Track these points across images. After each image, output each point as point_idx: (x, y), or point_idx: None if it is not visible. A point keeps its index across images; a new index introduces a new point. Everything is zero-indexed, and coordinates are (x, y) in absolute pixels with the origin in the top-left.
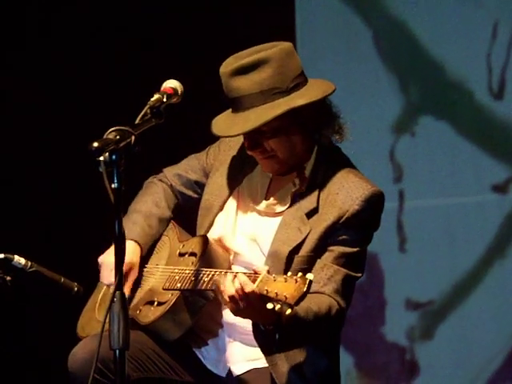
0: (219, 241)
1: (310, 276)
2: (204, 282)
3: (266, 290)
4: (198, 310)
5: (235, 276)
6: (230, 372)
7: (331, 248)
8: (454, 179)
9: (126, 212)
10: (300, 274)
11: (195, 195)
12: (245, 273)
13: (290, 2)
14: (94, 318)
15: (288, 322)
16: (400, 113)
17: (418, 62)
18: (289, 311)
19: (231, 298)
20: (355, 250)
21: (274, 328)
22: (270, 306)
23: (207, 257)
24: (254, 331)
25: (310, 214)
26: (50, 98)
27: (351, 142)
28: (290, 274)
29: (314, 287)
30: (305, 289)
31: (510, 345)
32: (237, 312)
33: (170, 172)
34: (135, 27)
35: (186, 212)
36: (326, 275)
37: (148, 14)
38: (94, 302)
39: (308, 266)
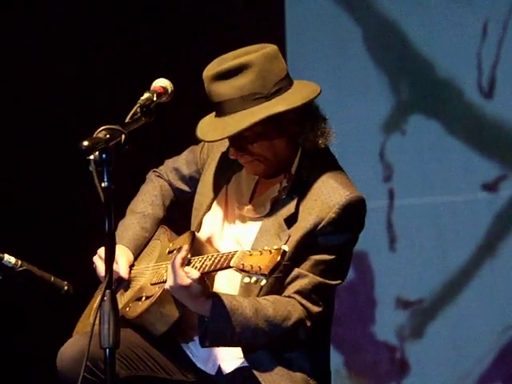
0: (208, 241)
1: (284, 247)
2: (187, 267)
3: (242, 265)
4: None
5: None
6: (219, 370)
7: (307, 256)
8: (444, 178)
9: (117, 211)
10: (276, 246)
11: (189, 190)
12: (223, 253)
13: (280, 1)
14: (89, 323)
15: (222, 314)
16: (390, 112)
17: (408, 61)
18: (263, 282)
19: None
20: (332, 257)
21: (210, 318)
22: (246, 279)
23: (195, 250)
24: (198, 323)
25: (289, 220)
26: (41, 97)
27: (342, 140)
28: (266, 247)
29: (285, 292)
30: (278, 258)
31: (499, 343)
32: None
33: (168, 166)
34: (126, 26)
35: (182, 211)
36: (299, 283)
37: (139, 14)
38: (91, 307)
39: (282, 276)
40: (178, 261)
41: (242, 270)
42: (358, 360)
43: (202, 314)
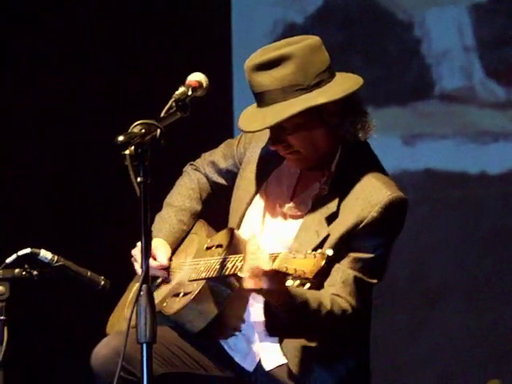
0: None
1: (328, 252)
2: (227, 268)
3: (286, 267)
4: (222, 299)
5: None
6: (258, 366)
7: (347, 253)
8: None
9: (153, 205)
10: (320, 250)
11: (226, 183)
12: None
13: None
14: (122, 316)
15: (285, 306)
16: None
17: None
18: (307, 286)
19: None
20: (371, 256)
21: (283, 311)
22: (289, 282)
23: (233, 247)
24: (265, 311)
25: (330, 218)
26: (75, 92)
27: None
28: (309, 251)
29: (328, 289)
30: (323, 263)
31: None
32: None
33: (205, 159)
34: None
35: (219, 205)
36: (340, 278)
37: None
38: (124, 301)
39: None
40: (266, 266)
41: (285, 273)
42: None
43: (274, 304)
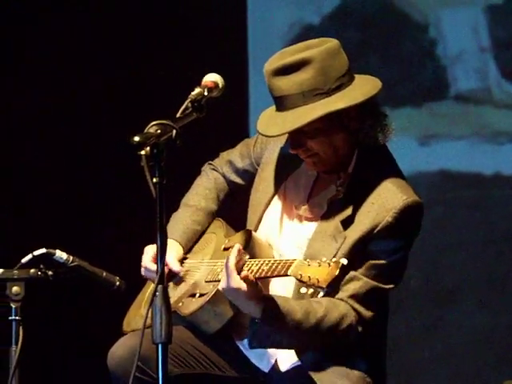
0: (266, 241)
1: (343, 260)
2: (243, 271)
3: (300, 275)
4: None
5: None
6: (274, 367)
7: (362, 259)
8: None
9: (169, 206)
10: (334, 258)
11: (243, 182)
12: (281, 260)
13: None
14: (139, 314)
15: (273, 317)
16: None
17: None
18: (321, 294)
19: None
20: (387, 261)
21: (261, 320)
22: (303, 290)
23: (250, 249)
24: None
25: (345, 222)
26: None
27: None
28: (324, 259)
29: (339, 295)
30: (337, 272)
31: None
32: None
33: (223, 159)
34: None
35: (237, 206)
36: (353, 286)
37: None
38: (141, 299)
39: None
40: (232, 261)
41: (299, 280)
42: None
43: (253, 316)
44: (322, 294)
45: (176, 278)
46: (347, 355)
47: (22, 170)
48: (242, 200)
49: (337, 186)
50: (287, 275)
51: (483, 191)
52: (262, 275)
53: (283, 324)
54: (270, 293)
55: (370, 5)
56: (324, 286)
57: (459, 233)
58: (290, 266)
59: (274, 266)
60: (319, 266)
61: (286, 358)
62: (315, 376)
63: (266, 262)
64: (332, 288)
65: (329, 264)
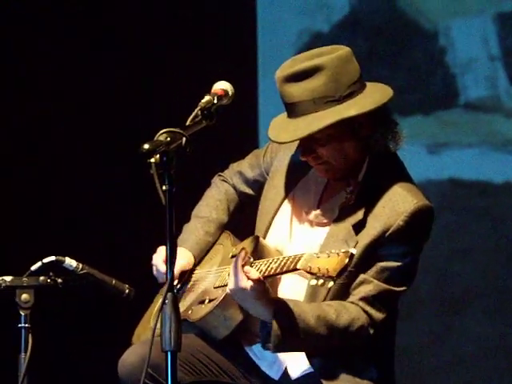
0: (275, 247)
1: (352, 250)
2: (247, 266)
3: (309, 267)
4: None
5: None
6: (284, 374)
7: (373, 262)
8: None
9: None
10: (343, 249)
11: (253, 193)
12: (290, 256)
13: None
14: (148, 328)
15: (286, 321)
16: None
17: None
18: (331, 284)
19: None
20: (398, 264)
21: (273, 324)
22: (313, 282)
23: (258, 254)
24: (261, 327)
25: (357, 226)
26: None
27: None
28: (334, 250)
29: (350, 298)
30: (346, 261)
31: None
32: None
33: (233, 169)
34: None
35: (245, 216)
36: (364, 289)
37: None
38: (151, 313)
39: (348, 281)
40: (239, 262)
41: (309, 273)
42: None
43: (262, 319)
44: (331, 283)
45: (184, 288)
46: (358, 362)
47: (32, 178)
48: (250, 210)
49: (347, 193)
50: (297, 269)
51: (493, 199)
52: (272, 273)
53: (295, 326)
54: (279, 295)
55: (380, 13)
56: (334, 275)
57: (469, 241)
58: (300, 259)
59: (282, 263)
60: (328, 257)
61: (296, 366)
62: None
63: (275, 259)
64: (341, 278)
65: (338, 254)
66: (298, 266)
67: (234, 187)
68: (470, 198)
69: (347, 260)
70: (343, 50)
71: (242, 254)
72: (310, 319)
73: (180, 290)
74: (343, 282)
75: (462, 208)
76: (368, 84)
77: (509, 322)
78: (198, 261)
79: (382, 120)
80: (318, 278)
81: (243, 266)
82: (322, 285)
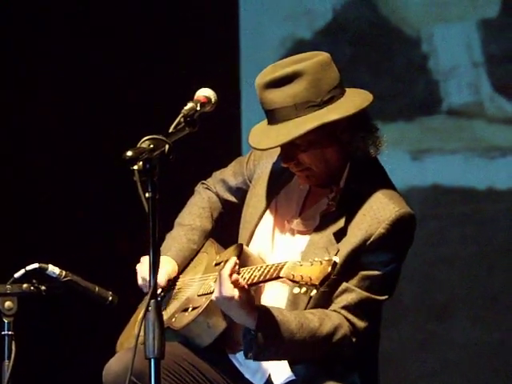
0: (256, 254)
1: (335, 258)
2: (234, 275)
3: (292, 275)
4: None
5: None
6: (267, 382)
7: (355, 271)
8: None
9: (161, 221)
10: (326, 257)
11: (236, 200)
12: (273, 264)
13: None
14: (132, 335)
15: (269, 329)
16: None
17: None
18: (313, 292)
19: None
20: (379, 273)
21: (256, 331)
22: (296, 290)
23: (242, 262)
24: (243, 335)
25: (338, 234)
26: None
27: None
28: (317, 258)
29: (332, 307)
30: (329, 269)
31: None
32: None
33: (216, 178)
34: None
35: (228, 223)
36: (346, 297)
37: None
38: (135, 320)
39: (329, 289)
40: (227, 271)
41: (292, 281)
42: None
43: (247, 326)
44: (314, 291)
45: (168, 296)
46: (341, 370)
47: (13, 185)
48: (234, 217)
49: (329, 199)
50: (280, 277)
51: (476, 206)
52: (255, 281)
53: (278, 334)
54: (263, 303)
55: (362, 20)
56: (317, 284)
57: (452, 247)
58: (283, 267)
59: (266, 271)
60: (311, 265)
61: (279, 373)
62: None
63: (258, 267)
64: (324, 286)
65: (321, 262)
66: (281, 274)
67: (218, 195)
68: (454, 204)
69: (330, 268)
70: (323, 56)
71: (232, 261)
72: (293, 327)
73: (164, 297)
74: (325, 290)
75: (445, 214)
76: (348, 90)
77: (493, 329)
78: (182, 268)
79: (363, 125)
80: (301, 286)
81: (230, 274)
82: (305, 293)
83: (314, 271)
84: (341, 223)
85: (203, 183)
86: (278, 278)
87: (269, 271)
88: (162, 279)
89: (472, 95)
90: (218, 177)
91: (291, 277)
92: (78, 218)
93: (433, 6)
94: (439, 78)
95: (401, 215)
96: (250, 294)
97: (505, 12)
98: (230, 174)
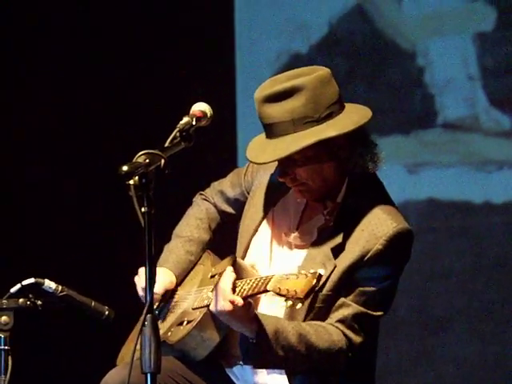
0: (252, 267)
1: (320, 271)
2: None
3: (279, 288)
4: (225, 326)
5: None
6: None
7: (352, 286)
8: None
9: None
10: (312, 270)
11: (234, 212)
12: (261, 277)
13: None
14: (131, 349)
15: (268, 338)
16: None
17: None
18: (299, 305)
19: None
20: (376, 288)
21: (255, 340)
22: (283, 303)
23: (236, 274)
24: (240, 342)
25: (336, 249)
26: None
27: None
28: (303, 271)
29: (328, 321)
30: (314, 282)
31: None
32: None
33: (214, 189)
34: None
35: (226, 234)
36: (343, 312)
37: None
38: (135, 334)
39: (325, 305)
40: (226, 285)
41: (278, 294)
42: None
43: (247, 335)
44: (300, 305)
45: (164, 310)
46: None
47: (10, 199)
48: (232, 228)
49: (324, 215)
50: (267, 291)
51: (472, 219)
52: (244, 294)
53: (276, 342)
54: (259, 311)
55: (358, 34)
56: (302, 297)
57: (448, 261)
58: (269, 281)
59: (254, 284)
60: (297, 278)
61: None
62: None
63: (247, 281)
64: (309, 298)
65: (306, 275)
66: (267, 288)
67: (215, 206)
68: (450, 217)
69: (315, 281)
70: (323, 71)
71: (229, 273)
72: (291, 337)
73: (162, 310)
74: (322, 306)
75: (441, 228)
76: (347, 105)
77: (489, 342)
78: (180, 280)
79: (361, 141)
80: (287, 299)
81: (230, 288)
82: (292, 306)
83: (299, 284)
84: (339, 239)
85: (201, 194)
86: (265, 291)
87: (257, 285)
88: (159, 291)
89: (468, 109)
90: (217, 188)
91: (278, 290)
92: (75, 232)
93: (428, 20)
94: (435, 92)
95: (398, 231)
96: (248, 307)
97: (500, 26)
98: (227, 185)
